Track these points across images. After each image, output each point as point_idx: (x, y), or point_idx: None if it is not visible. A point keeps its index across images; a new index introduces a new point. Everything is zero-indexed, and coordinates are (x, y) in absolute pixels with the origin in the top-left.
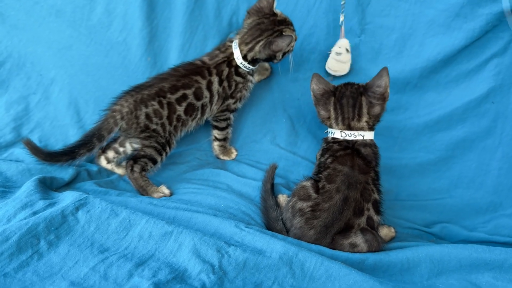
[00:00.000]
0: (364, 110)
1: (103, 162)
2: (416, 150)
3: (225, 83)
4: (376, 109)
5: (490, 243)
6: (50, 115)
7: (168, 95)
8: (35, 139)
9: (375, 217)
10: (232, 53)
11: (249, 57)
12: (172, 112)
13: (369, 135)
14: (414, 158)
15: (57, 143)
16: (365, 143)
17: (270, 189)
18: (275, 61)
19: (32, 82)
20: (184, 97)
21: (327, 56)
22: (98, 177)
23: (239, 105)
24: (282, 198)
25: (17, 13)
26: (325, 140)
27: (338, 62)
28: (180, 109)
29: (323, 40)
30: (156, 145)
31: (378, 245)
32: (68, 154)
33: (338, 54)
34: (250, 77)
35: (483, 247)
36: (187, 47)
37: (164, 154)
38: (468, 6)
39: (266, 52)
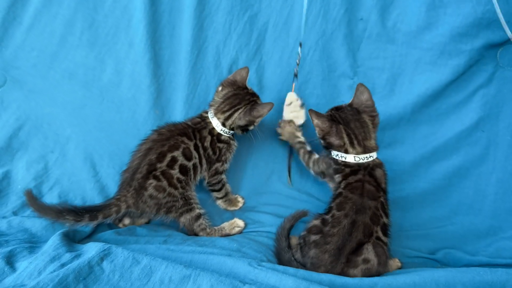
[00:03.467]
0: (371, 126)
1: (121, 226)
2: (416, 181)
3: (210, 150)
4: (377, 120)
5: (492, 266)
6: (67, 172)
7: (158, 165)
8: (55, 195)
9: (383, 238)
10: (210, 123)
11: (227, 125)
12: (170, 179)
13: (375, 155)
14: (414, 189)
15: (76, 198)
16: (375, 164)
17: (288, 230)
18: (250, 128)
19: (49, 142)
20: (174, 160)
21: (324, 100)
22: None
23: (226, 166)
24: (294, 240)
25: (33, 78)
26: (334, 160)
27: (293, 112)
28: (175, 172)
29: (319, 86)
30: (181, 209)
31: (386, 259)
32: (55, 212)
33: (288, 105)
34: (232, 142)
35: (485, 269)
36: (191, 98)
37: (194, 204)
38: (451, 44)
39: (247, 118)
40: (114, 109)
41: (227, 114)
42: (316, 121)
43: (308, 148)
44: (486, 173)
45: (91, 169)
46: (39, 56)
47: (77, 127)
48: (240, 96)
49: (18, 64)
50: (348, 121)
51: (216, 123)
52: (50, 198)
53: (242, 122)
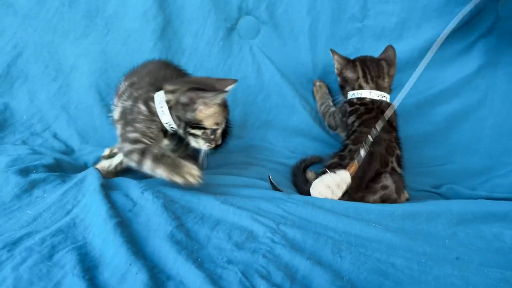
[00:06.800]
0: (385, 70)
1: None
2: (419, 122)
3: None
4: (393, 70)
5: (491, 199)
6: (73, 100)
7: None
8: (63, 123)
9: (398, 169)
10: None
11: None
12: None
13: (388, 97)
14: (417, 130)
15: (85, 124)
16: (388, 104)
17: (303, 168)
18: None
19: (50, 70)
20: None
21: (332, 41)
22: None
23: None
24: (310, 174)
25: (27, 3)
26: (349, 102)
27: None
28: None
29: (329, 27)
30: None
31: (403, 185)
32: None
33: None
34: None
35: (491, 202)
36: (201, 32)
37: None
38: None
39: None
40: (120, 41)
41: None
42: (336, 56)
43: (331, 105)
44: (483, 117)
45: (97, 95)
46: None
47: (80, 56)
48: None
49: None
50: (365, 60)
51: None
52: (59, 126)
53: None
